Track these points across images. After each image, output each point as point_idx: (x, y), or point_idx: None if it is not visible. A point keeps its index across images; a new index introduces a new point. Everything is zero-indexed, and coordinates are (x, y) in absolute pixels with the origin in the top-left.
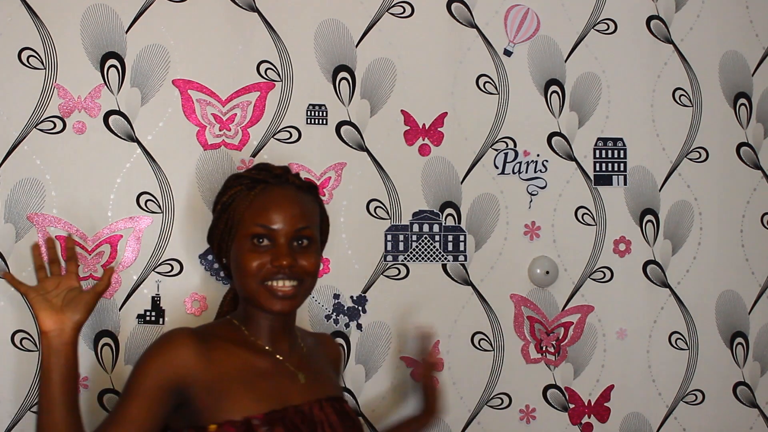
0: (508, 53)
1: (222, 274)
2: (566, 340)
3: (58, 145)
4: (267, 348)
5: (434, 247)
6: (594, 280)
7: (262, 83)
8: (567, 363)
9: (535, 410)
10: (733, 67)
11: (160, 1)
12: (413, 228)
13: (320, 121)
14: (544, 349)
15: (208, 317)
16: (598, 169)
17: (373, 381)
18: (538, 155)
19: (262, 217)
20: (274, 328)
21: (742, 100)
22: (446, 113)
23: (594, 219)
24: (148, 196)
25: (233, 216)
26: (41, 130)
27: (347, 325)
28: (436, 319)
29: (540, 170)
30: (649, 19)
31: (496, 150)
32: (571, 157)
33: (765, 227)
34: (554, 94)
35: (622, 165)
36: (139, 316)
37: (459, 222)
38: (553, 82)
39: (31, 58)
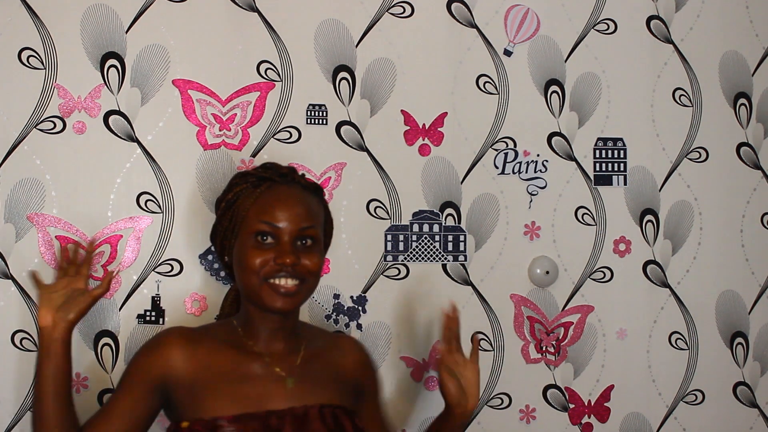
0: (508, 53)
1: (222, 274)
2: (566, 340)
3: (58, 145)
4: (257, 350)
5: (434, 247)
6: (594, 280)
7: (262, 83)
8: (567, 363)
9: (535, 410)
10: (733, 67)
11: (160, 1)
12: (413, 228)
13: (320, 121)
14: (544, 349)
15: (208, 317)
16: (598, 169)
17: None
18: (538, 155)
19: (267, 215)
20: (271, 330)
21: (742, 100)
22: (446, 113)
23: (594, 219)
24: (148, 196)
25: (237, 213)
26: (41, 130)
27: (347, 325)
28: (435, 319)
29: (540, 170)
30: (649, 19)
31: (496, 150)
32: (571, 157)
33: (765, 227)
34: (554, 94)
35: (622, 165)
36: (139, 316)
37: (459, 222)
38: (553, 82)
39: (31, 58)
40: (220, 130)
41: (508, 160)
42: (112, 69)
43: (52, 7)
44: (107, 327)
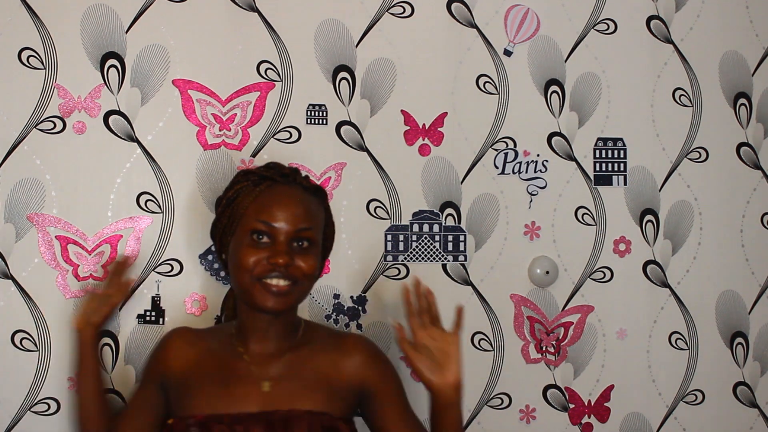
0: (508, 53)
1: (222, 273)
2: (566, 340)
3: (58, 145)
4: (241, 351)
5: (434, 247)
6: (594, 280)
7: (262, 83)
8: (567, 363)
9: (535, 410)
10: (733, 67)
11: (160, 1)
12: (413, 228)
13: (320, 121)
14: (544, 349)
15: (208, 317)
16: (598, 169)
17: None
18: (538, 155)
19: (265, 214)
20: (261, 331)
21: (742, 100)
22: (446, 113)
23: (594, 219)
24: (148, 196)
25: (236, 211)
26: (41, 130)
27: (347, 325)
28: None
29: (540, 170)
30: (649, 19)
31: (496, 150)
32: (571, 157)
33: (765, 227)
34: (554, 94)
35: (622, 165)
36: (139, 316)
37: (459, 222)
38: (553, 82)
39: (31, 58)
40: (220, 130)
41: (508, 160)
42: (112, 69)
43: (52, 7)
44: (107, 327)
